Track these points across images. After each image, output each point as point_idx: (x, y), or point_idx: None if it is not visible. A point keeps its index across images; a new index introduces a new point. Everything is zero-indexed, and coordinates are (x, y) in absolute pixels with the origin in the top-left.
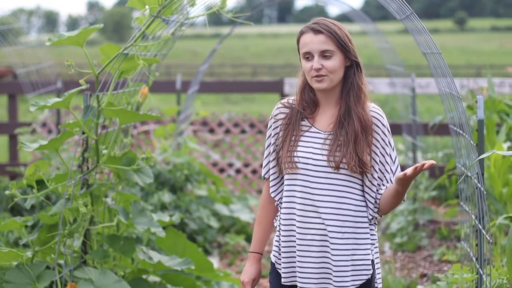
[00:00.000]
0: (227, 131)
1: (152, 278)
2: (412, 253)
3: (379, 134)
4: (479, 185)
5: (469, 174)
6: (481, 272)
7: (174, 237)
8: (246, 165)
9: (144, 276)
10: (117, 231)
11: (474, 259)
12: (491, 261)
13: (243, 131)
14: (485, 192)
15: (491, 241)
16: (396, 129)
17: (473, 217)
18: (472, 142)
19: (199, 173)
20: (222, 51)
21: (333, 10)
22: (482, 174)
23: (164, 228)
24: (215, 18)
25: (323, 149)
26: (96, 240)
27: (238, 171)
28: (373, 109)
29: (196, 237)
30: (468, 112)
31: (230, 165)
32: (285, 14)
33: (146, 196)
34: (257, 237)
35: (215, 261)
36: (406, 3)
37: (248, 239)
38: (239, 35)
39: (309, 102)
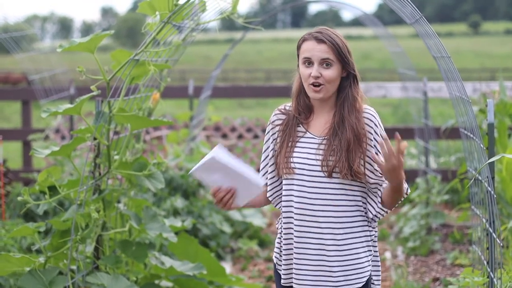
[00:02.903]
0: (240, 136)
1: (165, 283)
2: (425, 257)
3: (372, 134)
4: (489, 188)
5: (480, 178)
6: (492, 276)
7: (186, 242)
8: (259, 170)
9: (156, 281)
10: (129, 237)
11: (485, 262)
12: (501, 265)
13: (256, 136)
14: (495, 196)
15: (502, 244)
16: (408, 133)
17: (484, 220)
18: (482, 145)
19: None
20: (236, 56)
21: (347, 14)
22: (493, 178)
23: (176, 233)
24: (228, 23)
25: (318, 154)
26: (108, 245)
27: None
28: (366, 110)
29: (209, 242)
30: (480, 116)
31: None
32: (298, 19)
33: (158, 201)
34: None
35: (228, 266)
36: (415, 7)
37: (261, 244)
38: (252, 40)
39: (304, 108)
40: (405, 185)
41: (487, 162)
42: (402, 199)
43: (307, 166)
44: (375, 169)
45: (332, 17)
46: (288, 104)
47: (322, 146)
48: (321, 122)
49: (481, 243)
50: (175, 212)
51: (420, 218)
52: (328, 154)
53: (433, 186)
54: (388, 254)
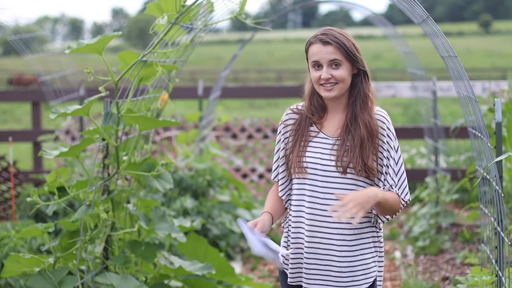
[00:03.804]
0: (250, 136)
1: (174, 283)
2: (435, 256)
3: (384, 137)
4: (497, 187)
5: (488, 177)
6: (501, 275)
7: (195, 242)
8: (269, 170)
9: (165, 281)
10: (139, 237)
11: (494, 261)
12: (510, 264)
13: (265, 136)
14: (502, 195)
15: (510, 243)
16: (418, 133)
17: (493, 219)
18: (489, 144)
19: (221, 178)
20: (247, 56)
21: (357, 14)
22: (501, 177)
23: (186, 233)
24: (239, 24)
25: (332, 154)
26: (117, 245)
27: (261, 176)
28: (378, 112)
29: (219, 242)
30: (489, 115)
31: (253, 170)
32: (309, 19)
33: (168, 201)
34: (268, 204)
35: (238, 266)
36: (422, 8)
37: None
38: (263, 40)
39: (317, 108)
40: (405, 192)
41: (494, 161)
42: (402, 207)
43: (320, 166)
44: (385, 171)
45: (342, 17)
46: (300, 104)
47: (335, 147)
48: (334, 122)
49: (490, 242)
50: (185, 212)
51: (429, 217)
52: (342, 154)
53: (443, 185)
54: (397, 253)
